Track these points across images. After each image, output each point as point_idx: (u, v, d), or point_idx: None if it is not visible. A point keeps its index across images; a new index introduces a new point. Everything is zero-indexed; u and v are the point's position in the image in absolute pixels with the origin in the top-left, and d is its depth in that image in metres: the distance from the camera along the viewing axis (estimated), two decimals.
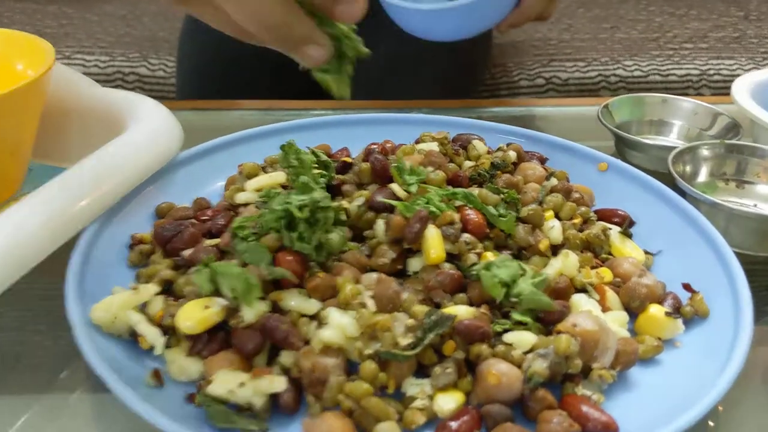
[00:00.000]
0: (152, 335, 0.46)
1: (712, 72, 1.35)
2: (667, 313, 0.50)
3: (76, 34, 1.40)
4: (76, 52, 1.31)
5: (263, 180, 0.59)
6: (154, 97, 1.26)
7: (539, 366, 0.43)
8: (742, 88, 0.76)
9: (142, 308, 0.48)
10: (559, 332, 0.45)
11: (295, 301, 0.47)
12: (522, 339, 0.45)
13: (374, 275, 0.49)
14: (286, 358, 0.45)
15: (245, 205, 0.58)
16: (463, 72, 1.14)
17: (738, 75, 1.33)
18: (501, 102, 1.11)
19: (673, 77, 1.33)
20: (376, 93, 1.06)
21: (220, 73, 1.12)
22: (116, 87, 1.29)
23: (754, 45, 1.44)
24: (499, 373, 0.43)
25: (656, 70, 1.33)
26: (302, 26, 0.47)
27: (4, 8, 1.52)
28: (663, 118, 0.80)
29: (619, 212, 0.61)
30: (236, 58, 1.11)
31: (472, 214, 0.52)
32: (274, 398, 0.43)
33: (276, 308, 0.47)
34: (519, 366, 0.44)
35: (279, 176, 0.59)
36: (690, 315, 0.51)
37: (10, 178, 0.65)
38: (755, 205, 0.67)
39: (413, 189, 0.52)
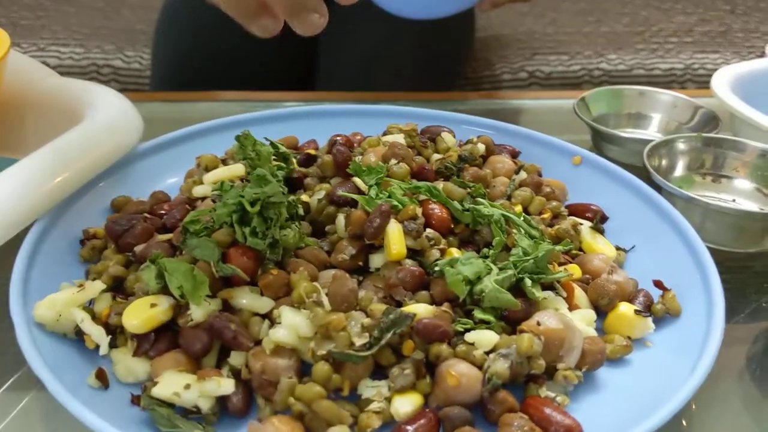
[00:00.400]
0: (97, 334, 0.44)
1: (696, 66, 1.33)
2: (637, 312, 0.48)
3: (52, 25, 1.37)
4: (51, 44, 1.28)
5: (221, 172, 0.57)
6: (129, 90, 1.24)
7: (500, 366, 0.41)
8: (722, 81, 0.74)
9: (90, 306, 0.46)
10: (522, 331, 0.43)
11: (246, 300, 0.45)
12: (484, 338, 0.43)
13: (333, 272, 0.47)
14: (235, 359, 0.43)
15: (203, 198, 0.56)
16: (442, 64, 1.12)
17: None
18: (479, 95, 1.09)
19: (657, 71, 1.31)
20: (351, 86, 1.04)
21: (196, 67, 1.10)
22: (91, 80, 1.26)
23: (740, 39, 1.43)
24: (458, 374, 0.41)
25: (640, 64, 1.31)
26: None
27: None
28: (641, 111, 0.78)
29: (592, 207, 0.59)
30: (213, 53, 1.09)
31: (435, 209, 0.50)
32: (223, 401, 0.41)
33: (227, 307, 0.45)
34: (480, 366, 0.42)
35: (238, 169, 0.57)
36: (661, 313, 0.49)
37: None
38: (734, 200, 0.65)
39: (373, 191, 0.50)
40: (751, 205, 0.64)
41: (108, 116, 0.61)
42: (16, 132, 0.67)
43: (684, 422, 0.47)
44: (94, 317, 0.45)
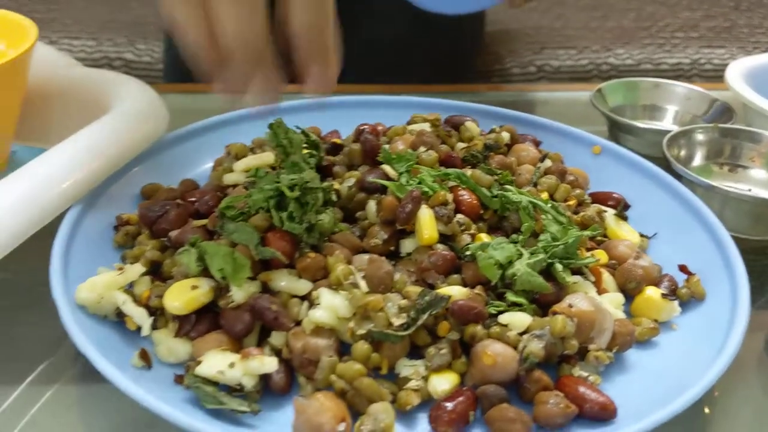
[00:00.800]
0: (139, 316, 0.45)
1: (703, 61, 1.34)
2: (664, 295, 0.49)
3: (64, 18, 1.38)
4: (63, 37, 1.29)
5: (251, 160, 0.57)
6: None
7: (535, 346, 0.42)
8: (735, 73, 0.75)
9: (129, 289, 0.47)
10: (555, 313, 0.44)
11: (285, 282, 0.46)
12: (517, 320, 0.44)
13: (366, 256, 0.48)
14: (276, 339, 0.44)
15: (233, 186, 0.57)
16: (453, 58, 1.13)
17: (728, 64, 1.33)
18: (493, 87, 1.10)
19: (664, 66, 1.32)
20: (364, 78, 1.05)
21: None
22: None
23: (745, 34, 1.44)
24: (494, 353, 0.42)
25: (647, 59, 1.32)
26: (271, 57, 0.44)
27: None
28: (656, 103, 0.79)
29: (614, 195, 0.60)
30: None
31: (465, 195, 0.51)
32: (264, 379, 0.42)
33: (266, 289, 0.46)
34: (514, 347, 0.43)
35: (268, 157, 0.58)
36: (686, 297, 0.50)
37: None
38: (749, 190, 0.66)
39: (404, 178, 0.51)
40: (766, 195, 0.65)
41: (135, 106, 0.61)
42: (42, 122, 0.68)
43: (706, 409, 0.48)
44: (135, 300, 0.46)
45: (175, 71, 1.14)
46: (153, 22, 1.38)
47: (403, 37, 1.06)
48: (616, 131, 0.74)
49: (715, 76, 1.32)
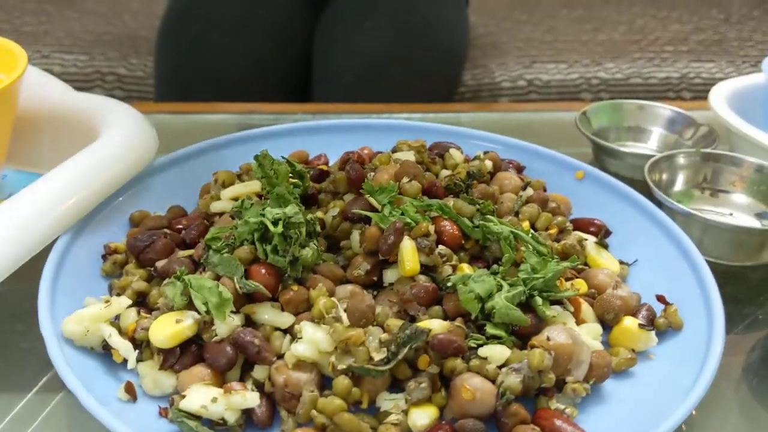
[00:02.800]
0: (125, 349, 0.46)
1: (692, 75, 1.35)
2: (641, 326, 0.50)
3: (56, 32, 1.38)
4: (55, 51, 1.30)
5: (238, 189, 0.58)
6: (133, 98, 1.26)
7: (513, 381, 0.43)
8: (719, 96, 0.76)
9: (115, 321, 0.48)
10: (533, 346, 0.45)
11: (268, 315, 0.47)
12: (496, 353, 0.45)
13: (349, 287, 0.49)
14: (259, 372, 0.45)
15: (220, 214, 0.58)
16: (437, 72, 1.13)
17: (718, 78, 1.34)
18: (480, 107, 1.10)
19: (653, 80, 1.33)
20: (346, 96, 1.06)
21: (197, 73, 1.11)
22: (95, 87, 1.27)
23: (735, 48, 1.45)
24: (473, 387, 0.43)
25: (637, 73, 1.33)
26: None
27: None
28: (640, 125, 0.80)
29: (596, 222, 0.61)
30: (212, 60, 1.11)
31: (447, 226, 0.52)
32: (247, 413, 0.43)
33: (249, 321, 0.47)
34: (493, 380, 0.44)
35: (254, 185, 0.58)
36: (664, 327, 0.51)
37: None
38: (731, 214, 0.67)
39: (387, 209, 0.51)
40: (749, 220, 0.66)
41: (124, 133, 0.62)
42: (33, 146, 0.69)
43: (684, 428, 0.49)
44: (121, 332, 0.47)
45: (165, 85, 1.15)
46: (145, 37, 1.38)
47: (386, 52, 1.07)
48: (600, 154, 0.75)
49: (704, 90, 1.31)
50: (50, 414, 0.48)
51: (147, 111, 0.67)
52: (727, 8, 1.67)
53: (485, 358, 0.45)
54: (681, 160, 0.68)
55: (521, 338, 0.47)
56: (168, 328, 0.45)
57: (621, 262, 0.58)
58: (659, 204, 0.62)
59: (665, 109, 0.80)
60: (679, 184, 0.68)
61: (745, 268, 0.62)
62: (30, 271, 0.51)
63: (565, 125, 0.83)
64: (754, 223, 0.65)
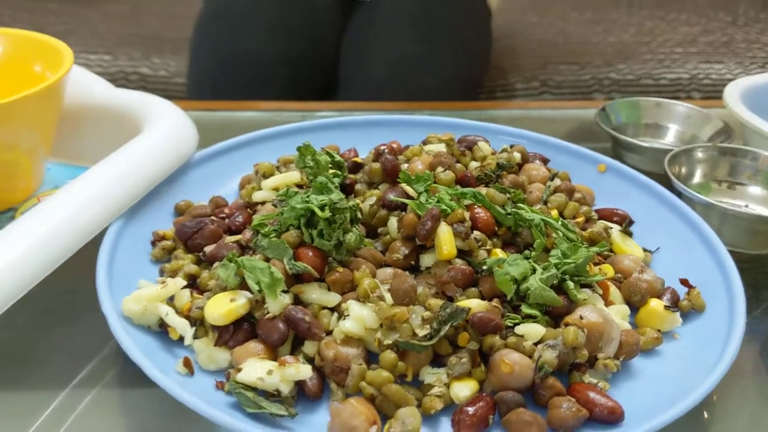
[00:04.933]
0: (181, 326, 0.48)
1: (701, 76, 1.38)
2: (666, 307, 0.53)
3: (80, 32, 1.41)
4: (80, 51, 1.33)
5: (279, 179, 0.61)
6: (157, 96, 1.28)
7: (549, 356, 0.46)
8: (733, 93, 0.79)
9: (170, 301, 0.51)
10: (567, 324, 0.48)
11: (316, 294, 0.49)
12: (532, 330, 0.48)
13: (389, 270, 0.52)
14: (309, 347, 0.47)
15: (261, 203, 0.60)
16: (461, 76, 1.16)
17: (727, 79, 1.37)
18: (500, 104, 1.13)
19: (664, 81, 1.36)
20: (381, 92, 1.09)
21: (234, 71, 1.14)
22: (119, 86, 1.30)
23: (742, 49, 1.48)
24: (511, 362, 0.46)
25: (647, 74, 1.36)
26: None
27: (5, 6, 1.53)
28: (658, 122, 0.83)
29: (619, 212, 0.64)
30: (247, 59, 1.14)
31: (481, 213, 0.55)
32: (299, 385, 0.46)
33: (298, 301, 0.50)
34: (530, 356, 0.47)
35: (294, 176, 0.61)
36: (687, 309, 0.54)
37: (28, 179, 0.67)
38: (746, 206, 0.70)
39: (423, 197, 0.54)
40: (764, 210, 0.69)
41: (168, 128, 0.65)
42: (76, 140, 0.72)
43: (705, 414, 0.51)
44: (176, 311, 0.50)
45: (200, 85, 1.18)
46: (167, 38, 1.41)
47: (412, 57, 1.10)
48: (619, 149, 0.78)
49: (714, 91, 1.35)
50: (102, 389, 0.50)
51: (185, 109, 0.70)
52: (734, 11, 1.70)
53: (522, 336, 0.48)
54: (699, 153, 0.71)
55: (554, 318, 0.50)
56: (222, 307, 0.48)
57: (644, 250, 0.60)
58: (679, 195, 0.64)
59: (682, 106, 0.82)
60: (697, 177, 0.71)
61: (762, 255, 0.64)
62: (84, 259, 0.54)
63: (583, 122, 0.86)
64: None
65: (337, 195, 0.52)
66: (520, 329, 0.48)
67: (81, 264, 0.53)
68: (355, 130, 0.75)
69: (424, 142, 0.68)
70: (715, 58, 1.43)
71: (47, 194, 0.68)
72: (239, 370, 0.45)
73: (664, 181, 0.67)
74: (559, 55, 1.39)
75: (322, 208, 0.50)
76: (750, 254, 0.64)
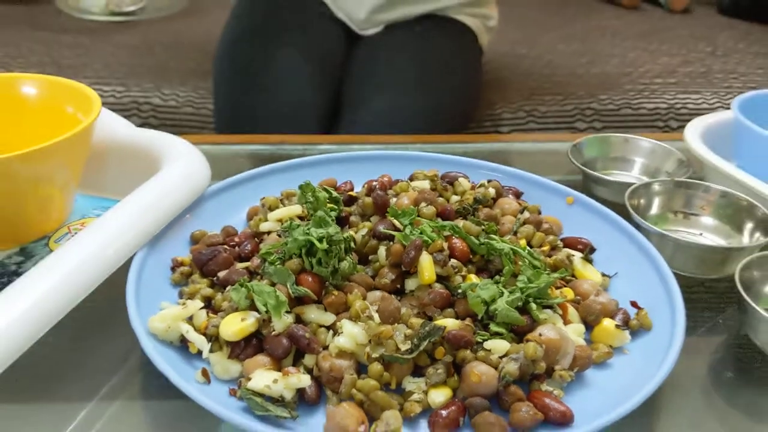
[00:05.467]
0: (200, 342, 0.57)
1: (679, 106, 1.47)
2: (617, 326, 0.61)
3: (93, 64, 1.50)
4: (94, 83, 1.42)
5: (283, 212, 0.70)
6: (167, 126, 1.38)
7: (511, 367, 0.54)
8: (693, 131, 0.88)
9: (189, 320, 0.59)
10: (528, 340, 0.56)
11: (314, 315, 0.58)
12: (498, 346, 0.56)
13: (378, 293, 0.60)
14: (308, 360, 0.56)
15: (268, 233, 0.69)
16: (453, 110, 1.25)
17: (703, 109, 1.46)
18: (484, 137, 1.22)
19: (643, 110, 1.45)
20: (378, 127, 1.18)
21: (255, 99, 1.22)
22: (132, 116, 1.39)
23: (719, 80, 1.57)
24: (480, 372, 0.54)
25: (627, 103, 1.45)
26: None
27: (24, 39, 1.62)
28: (625, 156, 0.92)
29: (583, 240, 0.72)
30: (271, 84, 1.22)
31: (458, 243, 0.63)
32: (299, 392, 0.54)
33: (299, 320, 0.58)
34: (495, 367, 0.55)
35: (296, 209, 0.70)
36: (636, 327, 0.62)
37: (60, 210, 0.75)
38: (701, 234, 0.78)
39: (408, 229, 0.63)
40: (715, 238, 0.77)
41: (184, 165, 0.74)
42: (101, 175, 0.80)
43: (652, 416, 0.59)
44: (195, 329, 0.58)
45: (223, 117, 1.27)
46: (175, 68, 1.51)
47: (407, 97, 1.19)
48: (589, 181, 0.86)
49: (690, 119, 1.43)
50: (125, 402, 0.58)
51: (192, 142, 0.79)
52: (714, 41, 1.79)
53: (489, 350, 0.56)
54: (657, 187, 0.80)
55: (518, 335, 0.58)
56: (234, 325, 0.56)
57: (603, 275, 0.68)
58: (637, 226, 0.73)
59: (647, 142, 0.91)
60: (655, 208, 0.79)
61: (710, 280, 0.73)
62: (114, 281, 0.62)
63: (560, 154, 0.95)
64: (719, 242, 0.76)
65: (333, 229, 0.60)
66: (488, 344, 0.56)
67: (105, 288, 0.61)
68: (350, 165, 0.83)
69: (411, 178, 0.77)
70: (693, 89, 1.52)
71: (76, 224, 0.76)
72: (249, 379, 0.54)
73: (627, 211, 0.75)
74: (544, 87, 1.48)
75: (320, 240, 0.59)
76: (700, 278, 0.72)
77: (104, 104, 1.41)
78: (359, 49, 1.32)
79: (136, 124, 0.84)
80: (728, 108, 0.91)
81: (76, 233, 0.74)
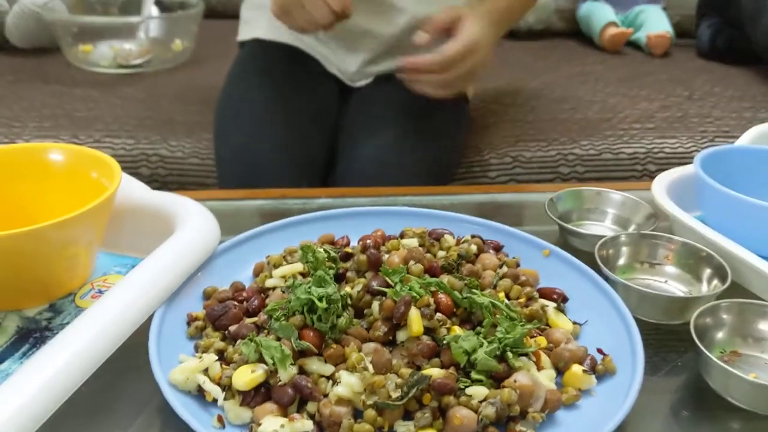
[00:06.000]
0: (215, 391, 0.64)
1: (656, 150, 1.55)
2: (585, 371, 0.69)
3: (104, 117, 1.59)
4: (105, 136, 1.50)
5: (286, 269, 0.78)
6: (174, 176, 1.46)
7: (489, 411, 0.62)
8: (659, 185, 0.96)
9: (205, 371, 0.67)
10: (504, 386, 0.64)
11: (315, 366, 0.65)
12: (478, 391, 0.63)
13: (372, 344, 0.68)
14: (311, 407, 0.63)
15: (273, 288, 0.77)
16: (440, 161, 1.34)
17: (679, 153, 1.54)
18: (469, 189, 1.30)
19: (622, 155, 1.53)
20: (371, 176, 1.26)
21: (256, 152, 1.30)
22: (141, 167, 1.48)
23: (695, 124, 1.66)
24: (461, 416, 0.62)
25: (608, 149, 1.53)
26: None
27: (38, 92, 1.71)
28: (598, 207, 1.00)
29: (557, 291, 0.80)
30: (263, 144, 1.31)
31: (443, 298, 0.71)
32: None
33: (302, 371, 0.66)
34: (475, 411, 0.63)
35: (298, 266, 0.78)
36: (602, 372, 0.70)
37: (85, 268, 0.83)
38: (666, 281, 0.86)
39: (398, 286, 0.71)
40: (678, 286, 0.85)
41: (196, 227, 0.82)
42: (120, 234, 0.88)
43: None
44: (210, 379, 0.66)
45: (227, 169, 1.35)
46: (181, 121, 1.59)
47: (396, 149, 1.27)
48: (564, 233, 0.95)
49: (667, 164, 1.52)
50: None
51: (198, 199, 0.87)
52: (691, 85, 1.88)
53: (470, 396, 0.63)
54: (624, 239, 0.88)
55: (496, 381, 0.66)
56: (246, 376, 0.64)
57: (574, 323, 0.76)
58: (606, 277, 0.81)
59: (617, 195, 0.99)
60: (623, 259, 0.87)
61: (673, 325, 0.81)
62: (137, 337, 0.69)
63: (540, 206, 1.03)
64: (680, 292, 0.84)
65: (332, 288, 0.68)
66: (469, 390, 0.64)
67: (128, 339, 0.69)
68: (346, 220, 0.92)
69: (402, 234, 0.85)
70: (670, 133, 1.61)
71: (98, 280, 0.84)
72: (260, 424, 0.61)
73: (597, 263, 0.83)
74: (529, 133, 1.57)
75: (320, 299, 0.67)
76: (664, 324, 0.80)
77: (115, 156, 1.51)
78: (351, 99, 1.41)
79: (146, 175, 0.92)
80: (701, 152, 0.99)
81: (99, 289, 0.82)
